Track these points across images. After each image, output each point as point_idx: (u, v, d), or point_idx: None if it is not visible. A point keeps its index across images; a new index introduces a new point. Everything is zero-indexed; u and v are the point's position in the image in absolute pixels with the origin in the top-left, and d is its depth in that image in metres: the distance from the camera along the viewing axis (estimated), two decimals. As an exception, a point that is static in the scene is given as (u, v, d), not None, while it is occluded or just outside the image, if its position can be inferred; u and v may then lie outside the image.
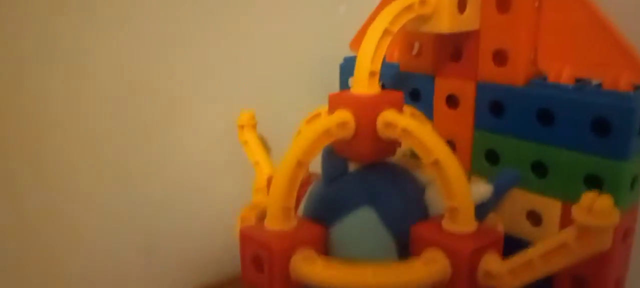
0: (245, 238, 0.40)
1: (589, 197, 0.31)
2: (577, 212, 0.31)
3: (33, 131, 0.55)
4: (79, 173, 0.59)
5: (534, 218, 0.45)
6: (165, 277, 0.67)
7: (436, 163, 0.37)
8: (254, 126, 0.57)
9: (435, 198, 0.42)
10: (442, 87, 0.50)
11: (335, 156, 0.43)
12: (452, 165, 0.37)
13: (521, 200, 0.46)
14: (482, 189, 0.41)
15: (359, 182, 0.42)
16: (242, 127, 0.57)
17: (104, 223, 0.61)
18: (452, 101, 0.50)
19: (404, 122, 0.39)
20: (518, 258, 0.35)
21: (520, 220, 0.46)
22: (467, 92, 0.48)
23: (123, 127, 0.60)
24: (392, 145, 0.42)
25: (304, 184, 0.43)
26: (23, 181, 0.56)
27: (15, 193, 0.55)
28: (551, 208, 0.44)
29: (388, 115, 0.40)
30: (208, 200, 0.68)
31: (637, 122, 0.39)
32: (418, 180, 0.44)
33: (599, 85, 0.41)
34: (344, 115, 0.40)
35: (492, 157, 0.47)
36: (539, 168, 0.44)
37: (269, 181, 0.53)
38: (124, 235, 0.63)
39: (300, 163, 0.38)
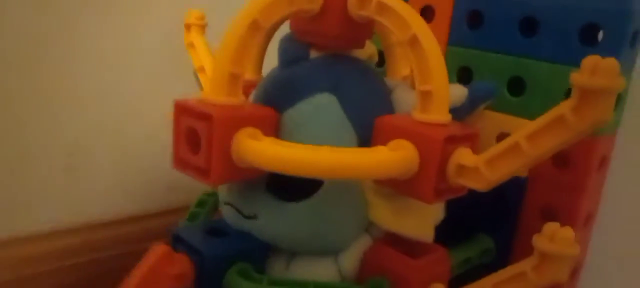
0: (180, 110, 0.33)
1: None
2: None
3: None
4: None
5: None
6: (88, 195, 0.58)
7: (413, 39, 0.32)
8: (203, 27, 0.51)
9: (402, 100, 0.37)
10: (418, -4, 0.45)
11: (295, 40, 0.37)
12: (431, 42, 0.32)
13: (493, 121, 0.42)
14: (457, 90, 0.37)
15: (320, 68, 0.36)
16: (188, 27, 0.50)
17: (27, 130, 0.52)
18: (426, 13, 0.45)
19: (378, -4, 0.33)
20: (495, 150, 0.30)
21: (491, 144, 0.42)
22: (444, 1, 0.43)
23: (51, 16, 0.52)
24: (363, 31, 0.37)
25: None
26: None
27: None
28: (524, 130, 0.40)
29: (361, -11, 0.34)
30: (144, 111, 0.59)
31: (630, 28, 0.35)
32: (385, 81, 0.39)
33: (590, -8, 0.37)
34: (311, -16, 0.34)
35: (465, 74, 0.43)
36: (516, 86, 0.40)
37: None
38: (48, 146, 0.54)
39: (256, 24, 0.32)
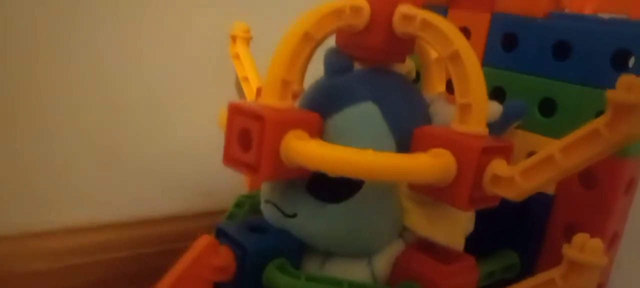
0: (234, 111, 0.36)
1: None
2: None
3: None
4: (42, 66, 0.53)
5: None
6: (127, 194, 0.61)
7: (455, 55, 0.34)
8: (248, 40, 0.54)
9: (439, 112, 0.39)
10: (455, 18, 0.47)
11: (340, 53, 0.40)
12: (471, 58, 0.34)
13: (523, 140, 0.43)
14: (493, 107, 0.39)
15: (364, 78, 0.39)
16: (234, 38, 0.53)
17: (70, 129, 0.55)
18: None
19: (423, 14, 0.36)
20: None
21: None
22: (480, 24, 0.46)
23: (100, 21, 0.55)
24: (405, 47, 0.39)
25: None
26: None
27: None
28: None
29: (406, 7, 0.37)
30: (186, 118, 0.62)
31: (661, 55, 0.37)
32: (424, 95, 0.41)
33: (623, 19, 0.39)
34: (359, 0, 0.37)
35: (499, 95, 0.45)
36: (547, 107, 0.42)
37: (258, 92, 0.50)
38: (88, 146, 0.57)
39: (308, 36, 0.35)
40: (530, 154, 0.43)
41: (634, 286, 0.50)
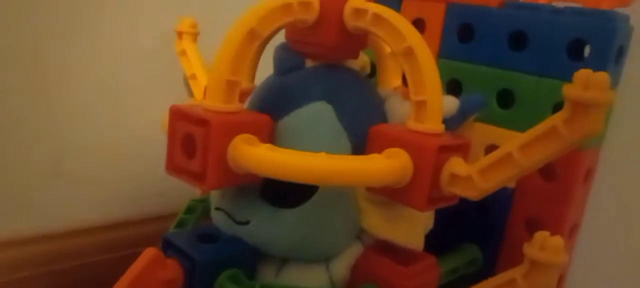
0: (176, 116, 0.34)
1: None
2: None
3: None
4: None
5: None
6: (75, 199, 0.57)
7: (408, 51, 0.33)
8: (195, 36, 0.51)
9: (395, 109, 0.38)
10: (410, 9, 0.46)
11: (290, 50, 0.38)
12: (425, 54, 0.32)
13: (481, 133, 0.42)
14: (449, 102, 0.37)
15: (316, 77, 0.37)
16: (180, 34, 0.51)
17: (16, 134, 0.52)
18: (418, 26, 0.46)
19: (375, 8, 0.34)
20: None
21: (479, 156, 0.43)
22: (435, 15, 0.44)
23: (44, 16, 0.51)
24: (358, 42, 0.38)
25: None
26: None
27: None
28: (513, 142, 0.41)
29: (357, 1, 0.35)
30: (136, 117, 0.59)
31: (616, 45, 0.36)
32: (378, 91, 0.40)
33: (578, 9, 0.38)
34: (308, -6, 0.35)
35: (455, 87, 0.44)
36: (505, 99, 0.41)
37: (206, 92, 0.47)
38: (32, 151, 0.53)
39: (253, 33, 0.33)
40: (489, 147, 0.42)
41: (593, 275, 0.50)
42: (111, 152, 0.58)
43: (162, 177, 0.62)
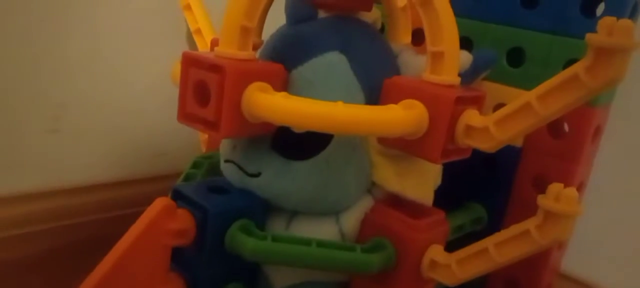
0: (189, 62, 0.33)
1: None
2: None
3: None
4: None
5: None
6: (77, 158, 0.56)
7: (426, 0, 0.32)
8: (200, -11, 0.50)
9: (408, 64, 0.38)
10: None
11: (303, 0, 0.37)
12: (443, 4, 0.32)
13: (491, 91, 0.42)
14: (463, 56, 0.37)
15: (330, 27, 0.36)
16: (185, -13, 0.50)
17: (14, 93, 0.50)
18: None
19: (392, -44, 0.34)
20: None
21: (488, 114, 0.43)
22: (447, -29, 0.44)
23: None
24: (370, -6, 0.37)
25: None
26: None
27: None
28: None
29: (373, -51, 0.34)
30: (136, 75, 0.58)
31: (631, 1, 0.36)
32: (391, 45, 0.39)
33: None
34: (323, -58, 0.34)
35: (466, 45, 0.44)
36: (515, 57, 0.41)
37: (213, 45, 0.46)
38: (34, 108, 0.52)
39: (269, -21, 0.32)
40: (498, 106, 0.42)
41: (595, 234, 0.50)
42: (112, 110, 0.57)
43: (164, 137, 0.61)
